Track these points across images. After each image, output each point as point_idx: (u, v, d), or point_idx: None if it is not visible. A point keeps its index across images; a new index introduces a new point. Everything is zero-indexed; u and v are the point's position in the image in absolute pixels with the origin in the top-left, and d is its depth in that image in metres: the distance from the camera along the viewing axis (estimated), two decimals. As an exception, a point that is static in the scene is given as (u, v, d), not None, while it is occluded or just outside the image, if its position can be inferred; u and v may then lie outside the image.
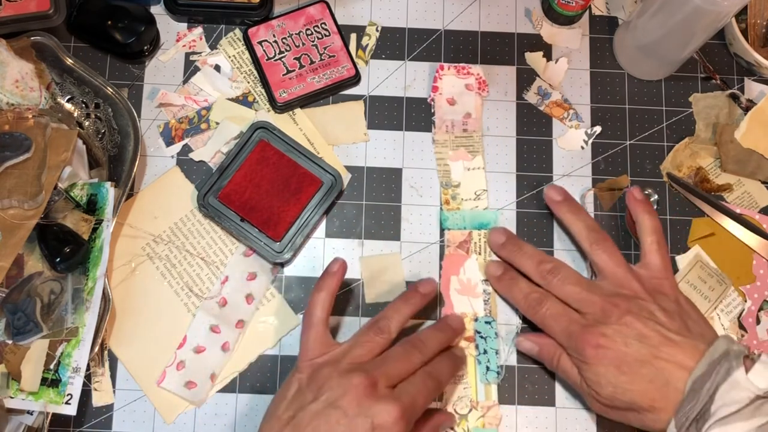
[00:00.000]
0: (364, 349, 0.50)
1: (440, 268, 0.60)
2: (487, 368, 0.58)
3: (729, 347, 0.47)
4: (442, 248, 0.61)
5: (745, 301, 0.60)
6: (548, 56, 0.65)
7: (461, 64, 0.63)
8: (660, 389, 0.48)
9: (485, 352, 0.58)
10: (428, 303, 0.55)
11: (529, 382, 0.59)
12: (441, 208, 0.61)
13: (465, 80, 0.63)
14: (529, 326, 0.59)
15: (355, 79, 0.63)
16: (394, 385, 0.49)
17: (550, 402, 0.58)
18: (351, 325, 0.59)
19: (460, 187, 0.62)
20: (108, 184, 0.57)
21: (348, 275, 0.60)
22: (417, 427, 0.50)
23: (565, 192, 0.58)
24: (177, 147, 0.62)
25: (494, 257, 0.60)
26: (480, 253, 0.61)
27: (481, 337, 0.59)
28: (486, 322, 0.59)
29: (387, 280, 0.60)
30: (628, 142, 0.64)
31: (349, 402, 0.46)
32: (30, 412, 0.53)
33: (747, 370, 0.45)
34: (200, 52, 0.64)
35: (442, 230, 0.61)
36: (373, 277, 0.60)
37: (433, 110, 0.63)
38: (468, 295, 0.60)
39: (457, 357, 0.55)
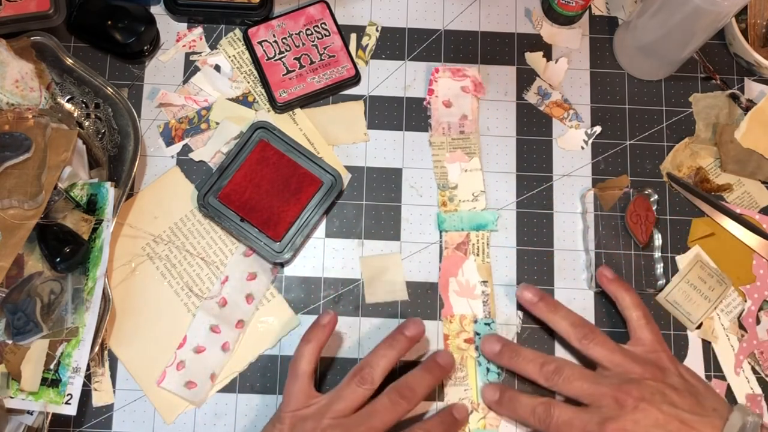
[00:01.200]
0: (347, 402, 0.50)
1: (440, 269, 0.60)
2: (488, 369, 0.58)
3: (744, 420, 0.48)
4: (442, 248, 0.61)
5: (745, 301, 0.60)
6: (548, 56, 0.65)
7: (456, 66, 0.63)
8: None
9: None
10: (414, 345, 0.54)
11: (529, 381, 0.58)
12: (438, 210, 0.61)
13: (461, 82, 0.63)
14: (529, 328, 0.59)
15: (355, 79, 0.63)
16: None
17: (550, 402, 0.58)
18: (351, 324, 0.59)
19: (457, 188, 0.62)
20: (108, 184, 0.57)
21: (348, 275, 0.60)
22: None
23: (539, 292, 0.57)
24: (177, 147, 0.62)
25: (492, 263, 0.60)
26: (478, 255, 0.61)
27: (481, 338, 0.59)
28: (485, 324, 0.59)
29: (387, 280, 0.60)
30: (628, 142, 0.64)
31: None
32: (30, 412, 0.53)
33: None
34: (200, 52, 0.64)
35: (442, 233, 0.61)
36: (373, 277, 0.60)
37: (429, 113, 0.63)
38: (467, 297, 0.60)
39: (455, 420, 0.54)
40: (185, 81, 0.63)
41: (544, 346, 0.59)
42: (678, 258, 0.61)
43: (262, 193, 0.59)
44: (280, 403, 0.53)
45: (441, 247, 0.61)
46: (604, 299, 0.60)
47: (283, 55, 0.63)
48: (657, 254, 0.61)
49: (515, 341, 0.59)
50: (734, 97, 0.64)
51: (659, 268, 0.61)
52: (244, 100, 0.63)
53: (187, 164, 0.62)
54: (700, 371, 0.59)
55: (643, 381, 0.51)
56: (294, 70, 0.62)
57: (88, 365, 0.54)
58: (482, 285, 0.60)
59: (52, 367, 0.53)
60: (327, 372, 0.58)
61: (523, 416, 0.54)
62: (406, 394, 0.50)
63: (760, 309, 0.60)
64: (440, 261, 0.61)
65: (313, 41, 0.63)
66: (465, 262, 0.60)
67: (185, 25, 0.64)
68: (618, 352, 0.53)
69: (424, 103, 0.63)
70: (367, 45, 0.65)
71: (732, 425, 0.47)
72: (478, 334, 0.59)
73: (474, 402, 0.57)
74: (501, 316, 0.60)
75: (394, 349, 0.53)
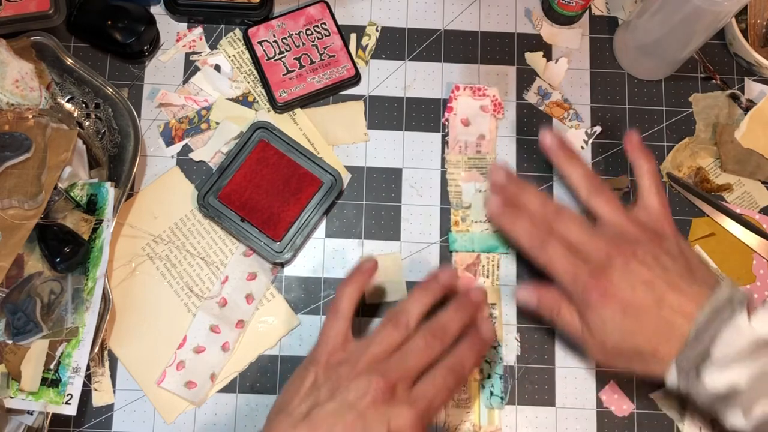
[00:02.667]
0: (383, 346, 0.49)
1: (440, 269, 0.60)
2: (491, 393, 0.58)
3: (732, 293, 0.47)
4: (442, 248, 0.61)
5: (745, 301, 0.60)
6: (548, 56, 0.65)
7: (477, 85, 0.63)
8: (665, 335, 0.47)
9: (489, 376, 0.58)
10: (448, 294, 0.53)
11: (529, 382, 0.58)
12: (450, 230, 0.61)
13: (480, 101, 0.63)
14: (528, 348, 0.59)
15: (355, 79, 0.63)
16: (414, 382, 0.48)
17: (550, 402, 0.58)
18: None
19: (470, 208, 0.61)
20: (108, 184, 0.57)
21: (348, 275, 0.60)
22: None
23: (561, 138, 0.56)
24: (177, 147, 0.62)
25: (502, 281, 0.60)
26: (488, 277, 0.60)
27: (486, 361, 0.58)
28: (492, 347, 0.59)
29: (387, 280, 0.60)
30: (628, 142, 0.63)
31: (366, 405, 0.45)
32: (30, 412, 0.53)
33: (749, 316, 0.45)
34: (200, 52, 0.64)
35: (442, 232, 0.61)
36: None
37: (446, 130, 0.63)
38: None
39: (482, 340, 0.52)
40: (185, 81, 0.63)
41: (544, 346, 0.59)
42: (678, 258, 0.61)
43: (262, 193, 0.59)
44: (315, 344, 0.51)
45: (441, 246, 0.61)
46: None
47: (283, 55, 0.63)
48: (657, 254, 0.61)
49: (515, 340, 0.59)
50: (734, 97, 0.64)
51: (659, 268, 0.61)
52: (244, 100, 0.63)
53: (187, 164, 0.62)
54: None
55: (638, 241, 0.50)
56: (294, 70, 0.62)
57: (88, 365, 0.54)
58: (491, 308, 0.59)
59: (52, 367, 0.53)
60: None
61: (519, 233, 0.53)
62: (439, 334, 0.50)
63: (760, 309, 0.60)
64: (440, 261, 0.61)
65: (313, 41, 0.63)
66: (474, 283, 0.60)
67: (185, 25, 0.64)
68: (621, 211, 0.52)
69: (442, 120, 0.63)
70: (367, 45, 0.65)
71: (719, 295, 0.47)
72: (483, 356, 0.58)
73: (476, 425, 0.57)
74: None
75: (428, 293, 0.52)
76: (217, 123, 0.62)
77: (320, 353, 0.50)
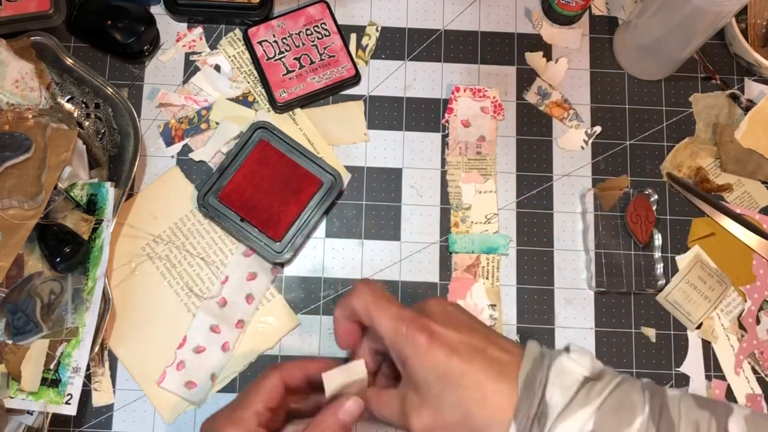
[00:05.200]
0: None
1: (440, 269, 0.60)
2: None
3: (541, 347, 0.44)
4: (442, 248, 0.61)
5: (745, 301, 0.60)
6: (548, 56, 0.65)
7: (477, 87, 0.63)
8: (494, 381, 0.42)
9: None
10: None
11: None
12: (450, 231, 0.61)
13: (480, 103, 0.63)
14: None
15: (355, 79, 0.63)
16: None
17: (550, 402, 0.58)
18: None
19: (470, 209, 0.61)
20: (108, 184, 0.57)
21: (348, 275, 0.60)
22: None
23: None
24: (177, 147, 0.62)
25: (502, 282, 0.60)
26: (487, 278, 0.60)
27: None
28: None
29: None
30: (628, 142, 0.63)
31: None
32: (30, 412, 0.53)
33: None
34: (200, 52, 0.64)
35: (442, 232, 0.61)
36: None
37: (447, 131, 0.63)
38: None
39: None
40: (185, 81, 0.63)
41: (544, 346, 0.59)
42: (678, 258, 0.61)
43: (262, 193, 0.59)
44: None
45: (441, 246, 0.61)
46: (603, 299, 0.60)
47: (283, 55, 0.63)
48: (657, 254, 0.61)
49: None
50: (734, 97, 0.64)
51: (659, 268, 0.61)
52: (244, 100, 0.63)
53: (187, 164, 0.62)
54: (700, 371, 0.59)
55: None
56: (294, 70, 0.62)
57: (88, 365, 0.54)
58: (490, 309, 0.60)
59: (52, 367, 0.53)
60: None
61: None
62: None
63: (760, 309, 0.60)
64: (440, 261, 0.61)
65: (313, 41, 0.63)
66: (474, 284, 0.60)
67: (185, 25, 0.64)
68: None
69: (443, 121, 0.63)
70: (367, 45, 0.65)
71: (531, 350, 0.44)
72: None
73: None
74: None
75: None
76: (217, 123, 0.62)
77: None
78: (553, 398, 0.41)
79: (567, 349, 0.43)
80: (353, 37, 0.65)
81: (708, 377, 0.59)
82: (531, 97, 0.64)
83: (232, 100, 0.63)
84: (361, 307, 0.46)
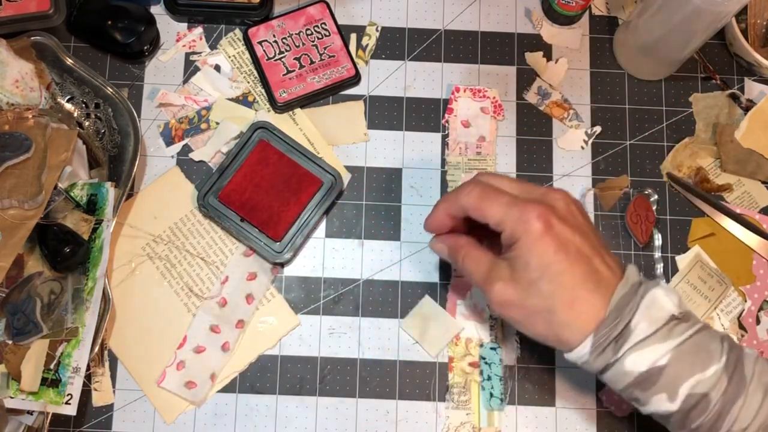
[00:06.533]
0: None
1: (440, 269, 0.60)
2: (491, 395, 0.57)
3: (639, 275, 0.45)
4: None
5: (745, 301, 0.60)
6: (548, 56, 0.65)
7: (477, 87, 0.63)
8: (589, 291, 0.43)
9: (489, 378, 0.58)
10: None
11: (529, 382, 0.59)
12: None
13: (480, 103, 0.63)
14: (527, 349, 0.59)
15: (355, 79, 0.63)
16: None
17: (550, 402, 0.58)
18: (351, 324, 0.59)
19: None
20: (108, 184, 0.57)
21: (348, 275, 0.60)
22: None
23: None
24: (177, 147, 0.62)
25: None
26: None
27: (486, 363, 0.58)
28: (491, 348, 0.58)
29: (436, 327, 0.59)
30: (628, 142, 0.64)
31: None
32: (30, 412, 0.53)
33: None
34: (200, 52, 0.64)
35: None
36: (423, 332, 0.59)
37: (447, 131, 0.63)
38: (474, 320, 0.59)
39: None
40: (185, 81, 0.63)
41: (544, 346, 0.59)
42: (678, 258, 0.61)
43: (262, 193, 0.59)
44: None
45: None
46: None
47: (283, 55, 0.63)
48: (657, 254, 0.61)
49: (515, 341, 0.59)
50: (734, 97, 0.64)
51: (659, 268, 0.61)
52: (244, 100, 0.63)
53: (187, 164, 0.62)
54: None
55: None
56: (294, 70, 0.62)
57: (88, 365, 0.54)
58: (489, 310, 0.59)
59: (52, 367, 0.53)
60: (327, 373, 0.58)
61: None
62: None
63: (760, 309, 0.60)
64: (440, 262, 0.61)
65: (313, 41, 0.63)
66: (474, 285, 0.60)
67: (185, 25, 0.64)
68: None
69: (442, 121, 0.63)
70: (367, 45, 0.65)
71: (631, 274, 0.45)
72: (483, 358, 0.58)
73: (475, 427, 0.57)
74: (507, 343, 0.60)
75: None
76: (217, 123, 0.62)
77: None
78: (638, 326, 0.43)
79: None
80: (353, 37, 0.65)
81: (708, 377, 0.59)
82: (531, 97, 0.64)
83: (232, 100, 0.63)
84: (470, 204, 0.47)
